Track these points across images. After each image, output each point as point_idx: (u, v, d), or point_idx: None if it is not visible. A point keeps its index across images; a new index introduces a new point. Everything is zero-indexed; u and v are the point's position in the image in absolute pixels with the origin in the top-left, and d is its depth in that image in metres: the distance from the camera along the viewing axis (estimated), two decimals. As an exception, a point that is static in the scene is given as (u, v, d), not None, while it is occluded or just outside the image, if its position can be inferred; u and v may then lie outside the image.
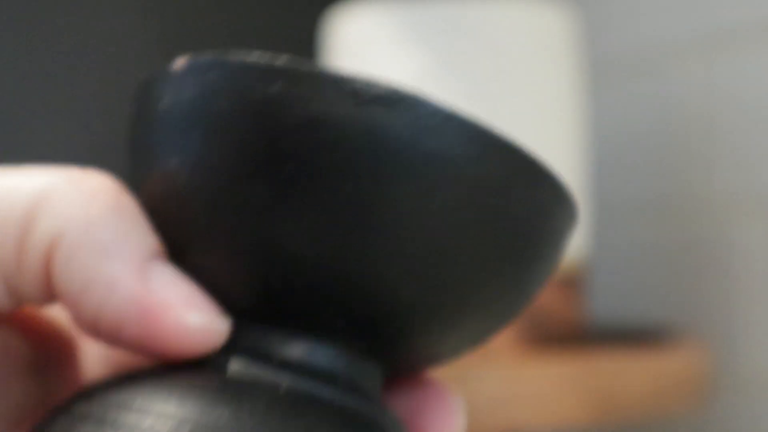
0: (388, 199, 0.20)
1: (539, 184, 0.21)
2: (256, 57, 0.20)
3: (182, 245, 0.21)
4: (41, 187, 0.20)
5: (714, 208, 0.78)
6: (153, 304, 0.20)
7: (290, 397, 0.20)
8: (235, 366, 0.21)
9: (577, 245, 0.68)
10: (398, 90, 0.20)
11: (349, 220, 0.20)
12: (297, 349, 0.21)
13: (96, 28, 0.84)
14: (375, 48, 0.65)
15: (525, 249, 0.21)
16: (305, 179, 0.20)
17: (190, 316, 0.20)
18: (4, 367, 0.22)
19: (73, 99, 0.83)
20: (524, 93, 0.64)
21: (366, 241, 0.20)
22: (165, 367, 0.21)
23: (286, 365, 0.21)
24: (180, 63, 0.21)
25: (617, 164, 0.86)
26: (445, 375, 0.57)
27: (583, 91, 0.70)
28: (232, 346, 0.21)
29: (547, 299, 0.65)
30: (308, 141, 0.20)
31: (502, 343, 0.64)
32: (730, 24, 0.77)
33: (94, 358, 0.24)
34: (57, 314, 0.24)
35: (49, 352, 0.23)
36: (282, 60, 0.20)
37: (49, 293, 0.21)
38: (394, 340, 0.21)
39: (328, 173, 0.20)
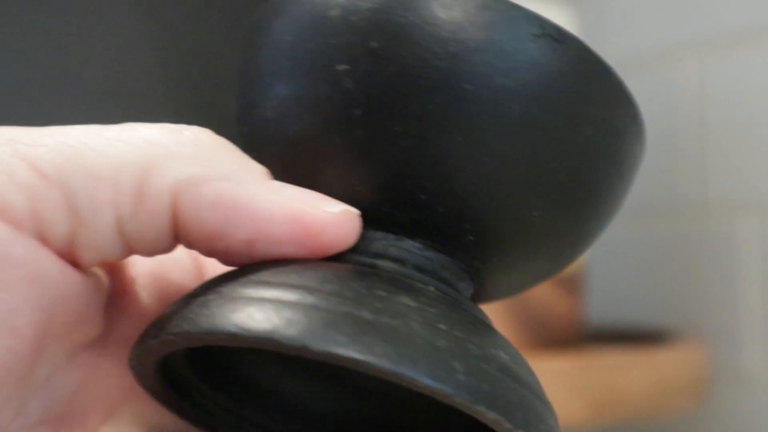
0: (525, 119, 0.22)
1: (626, 106, 0.23)
2: None
3: (293, 167, 0.23)
4: (147, 139, 0.21)
5: (709, 208, 0.78)
6: (299, 208, 0.21)
7: (408, 281, 0.22)
8: (358, 259, 0.22)
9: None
10: (564, 30, 0.22)
11: (491, 140, 0.22)
12: (403, 251, 0.23)
13: (96, 28, 0.84)
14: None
15: (608, 168, 0.23)
16: (460, 101, 0.22)
17: (333, 208, 0.22)
18: (94, 306, 0.22)
19: (73, 99, 0.83)
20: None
21: (493, 159, 0.22)
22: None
23: (401, 262, 0.23)
24: None
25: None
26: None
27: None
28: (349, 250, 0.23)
29: (546, 300, 0.65)
30: (483, 64, 0.21)
31: (502, 342, 0.64)
32: (722, 28, 0.77)
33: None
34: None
35: (113, 290, 0.24)
36: None
37: (172, 238, 0.22)
38: (448, 225, 0.23)
39: (490, 97, 0.21)
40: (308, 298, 0.20)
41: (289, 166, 0.23)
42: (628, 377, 0.62)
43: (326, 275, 0.21)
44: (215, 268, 0.26)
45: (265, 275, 0.21)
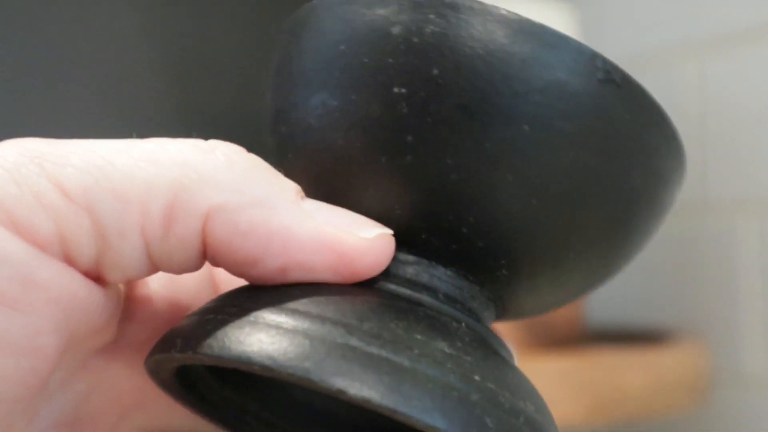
0: (571, 153, 0.21)
1: (665, 130, 0.22)
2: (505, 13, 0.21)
3: (330, 179, 0.23)
4: (177, 160, 0.21)
5: (709, 208, 0.78)
6: (334, 236, 0.21)
7: (443, 318, 0.21)
8: (390, 286, 0.22)
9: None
10: (627, 75, 0.22)
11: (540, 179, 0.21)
12: (435, 278, 0.23)
13: (96, 29, 0.85)
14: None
15: (642, 196, 0.23)
16: (502, 127, 0.21)
17: (368, 233, 0.21)
18: (112, 316, 0.22)
19: (74, 99, 0.83)
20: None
21: (537, 195, 0.22)
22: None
23: (433, 291, 0.22)
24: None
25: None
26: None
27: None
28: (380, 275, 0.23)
29: (546, 298, 0.65)
30: (546, 106, 0.21)
31: (502, 342, 0.64)
32: (722, 28, 0.77)
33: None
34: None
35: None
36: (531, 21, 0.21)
37: (201, 259, 0.21)
38: (485, 259, 0.23)
39: (538, 133, 0.21)
40: (348, 339, 0.19)
41: (325, 177, 0.23)
42: (628, 377, 0.62)
43: (364, 311, 0.20)
44: (228, 275, 0.26)
45: (300, 303, 0.20)
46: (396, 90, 0.21)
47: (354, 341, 0.19)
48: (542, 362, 0.61)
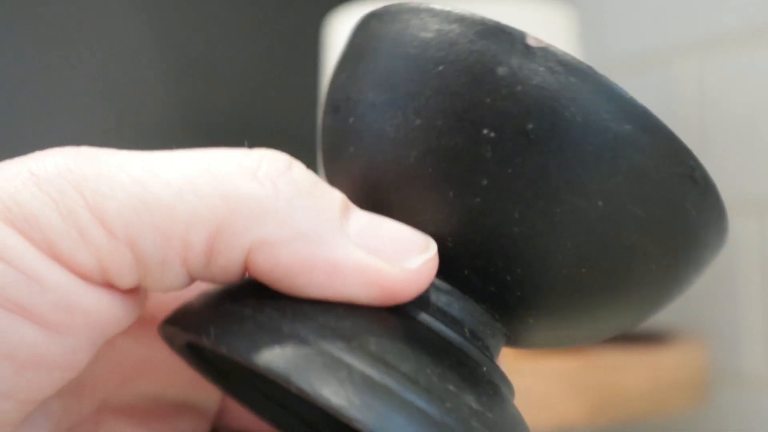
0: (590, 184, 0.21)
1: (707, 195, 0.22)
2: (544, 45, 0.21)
3: (388, 192, 0.22)
4: (221, 190, 0.20)
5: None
6: (379, 270, 0.21)
7: (470, 364, 0.22)
8: (422, 314, 0.22)
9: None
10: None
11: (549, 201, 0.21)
12: (465, 312, 0.23)
13: (96, 29, 0.84)
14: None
15: (680, 256, 0.22)
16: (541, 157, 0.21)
17: (413, 262, 0.21)
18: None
19: (76, 100, 0.83)
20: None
21: (554, 219, 0.21)
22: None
23: (459, 325, 0.22)
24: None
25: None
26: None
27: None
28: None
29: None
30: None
31: (502, 342, 0.64)
32: (722, 28, 0.77)
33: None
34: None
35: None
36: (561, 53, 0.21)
37: (241, 276, 0.21)
38: (518, 307, 0.23)
39: (571, 161, 0.21)
40: (385, 378, 0.20)
41: (382, 186, 0.22)
42: (628, 377, 0.62)
43: (402, 349, 0.21)
44: None
45: (343, 328, 0.20)
46: (485, 132, 0.21)
47: (393, 384, 0.20)
48: (542, 362, 0.61)
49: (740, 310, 0.75)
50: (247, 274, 0.21)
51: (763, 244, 0.73)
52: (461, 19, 0.22)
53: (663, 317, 0.82)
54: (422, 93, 0.21)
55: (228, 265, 0.21)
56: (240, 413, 0.27)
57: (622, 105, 0.21)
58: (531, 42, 0.21)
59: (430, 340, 0.21)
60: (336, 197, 0.21)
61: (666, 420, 0.79)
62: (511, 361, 0.60)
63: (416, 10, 0.22)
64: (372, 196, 0.23)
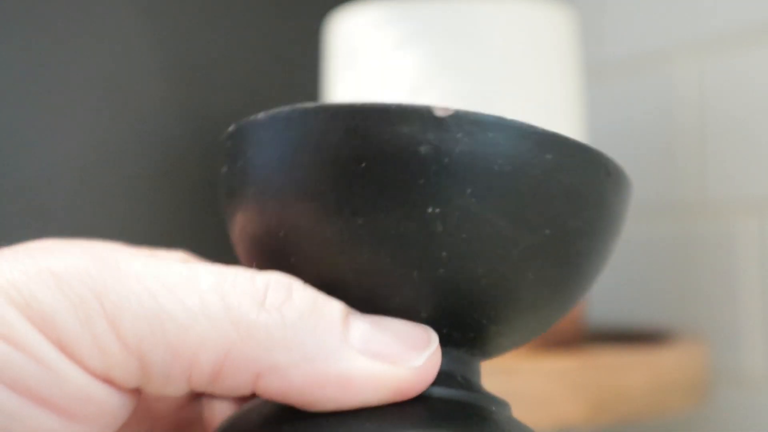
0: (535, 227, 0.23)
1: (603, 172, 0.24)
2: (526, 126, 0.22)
3: (345, 293, 0.23)
4: (232, 316, 0.21)
5: (709, 208, 0.78)
6: (389, 376, 0.22)
7: (472, 412, 0.24)
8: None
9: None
10: (615, 162, 0.24)
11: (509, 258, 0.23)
12: (452, 363, 0.24)
13: (96, 29, 0.85)
14: (375, 48, 0.66)
15: (590, 228, 0.24)
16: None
17: (419, 359, 0.23)
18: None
19: (75, 100, 0.83)
20: (522, 93, 0.64)
21: (504, 263, 0.23)
22: None
23: (449, 377, 0.24)
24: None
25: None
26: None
27: (580, 91, 0.71)
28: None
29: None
30: (563, 207, 0.23)
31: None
32: (722, 28, 0.77)
33: None
34: None
35: None
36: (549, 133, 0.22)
37: (247, 394, 0.23)
38: (494, 336, 0.24)
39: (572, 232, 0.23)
40: None
41: (342, 286, 0.23)
42: (628, 377, 0.62)
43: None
44: None
45: None
46: (430, 210, 0.22)
47: None
48: (542, 362, 0.61)
49: (740, 310, 0.75)
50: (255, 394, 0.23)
51: (763, 244, 0.73)
52: (365, 115, 0.22)
53: (663, 317, 0.82)
54: (356, 194, 0.22)
55: (234, 386, 0.22)
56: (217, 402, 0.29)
57: (536, 140, 0.22)
58: (440, 113, 0.22)
59: (447, 412, 0.23)
60: (335, 309, 0.22)
61: (666, 420, 0.79)
62: (511, 361, 0.60)
63: (312, 116, 0.23)
64: (336, 295, 0.23)
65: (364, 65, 0.66)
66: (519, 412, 0.63)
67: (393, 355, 0.22)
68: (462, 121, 0.22)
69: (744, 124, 0.75)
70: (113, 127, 0.85)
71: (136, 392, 0.22)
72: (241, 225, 0.24)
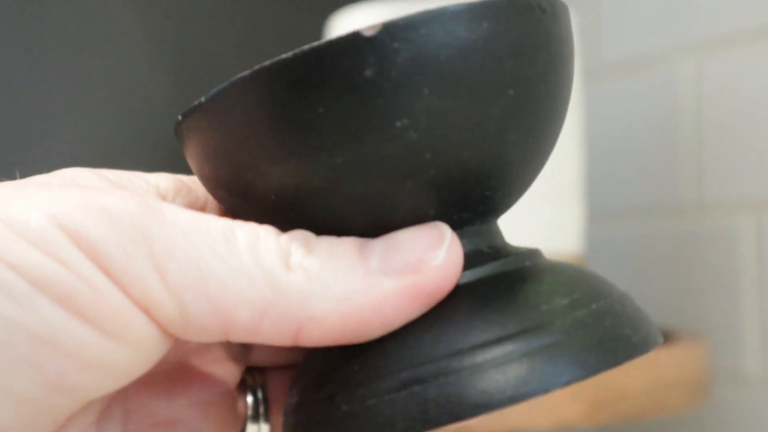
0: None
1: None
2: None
3: (358, 220, 0.24)
4: (268, 277, 0.23)
5: (707, 208, 0.78)
6: (414, 284, 0.23)
7: (513, 276, 0.24)
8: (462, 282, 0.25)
9: (572, 246, 0.69)
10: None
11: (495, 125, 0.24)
12: (475, 241, 0.25)
13: (96, 28, 0.85)
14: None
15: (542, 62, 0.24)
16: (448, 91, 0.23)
17: (438, 257, 0.23)
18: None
19: (74, 100, 0.83)
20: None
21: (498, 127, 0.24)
22: None
23: (478, 256, 0.25)
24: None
25: (610, 166, 0.87)
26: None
27: (578, 92, 0.71)
28: None
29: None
30: (514, 63, 0.23)
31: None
32: (721, 28, 0.77)
33: None
34: None
35: None
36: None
37: (292, 344, 0.24)
38: (500, 199, 0.25)
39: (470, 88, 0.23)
40: (510, 347, 0.22)
41: (348, 217, 0.24)
42: (628, 377, 0.62)
43: (485, 316, 0.23)
44: None
45: (432, 349, 0.22)
46: (398, 124, 0.22)
47: (513, 349, 0.22)
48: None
49: (739, 310, 0.75)
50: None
51: (762, 243, 0.74)
52: (298, 62, 0.23)
53: (663, 317, 0.82)
54: (324, 138, 0.23)
55: (275, 338, 0.23)
56: (264, 349, 0.30)
57: (467, 16, 0.22)
58: (369, 33, 0.22)
59: (482, 290, 0.24)
60: (349, 246, 0.23)
61: (666, 419, 0.80)
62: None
63: (251, 80, 0.23)
64: (347, 232, 0.24)
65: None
66: (519, 411, 0.63)
67: (413, 264, 0.23)
68: (392, 31, 0.22)
69: (742, 124, 0.75)
70: (113, 127, 0.85)
71: (173, 337, 0.23)
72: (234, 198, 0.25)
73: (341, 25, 0.69)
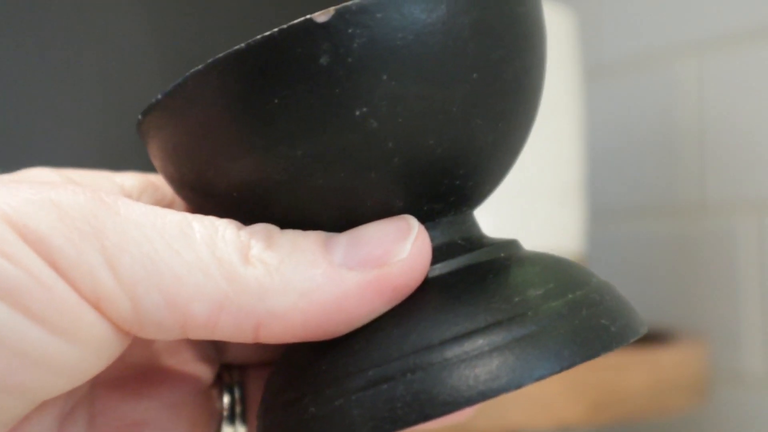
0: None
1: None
2: None
3: (324, 213, 0.23)
4: (226, 272, 0.22)
5: (708, 208, 0.78)
6: (378, 278, 0.22)
7: (487, 267, 0.23)
8: (434, 273, 0.24)
9: (573, 245, 0.68)
10: None
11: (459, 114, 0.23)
12: (449, 233, 0.24)
13: (96, 28, 0.85)
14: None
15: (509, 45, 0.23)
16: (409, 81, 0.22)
17: (403, 251, 0.22)
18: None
19: (74, 101, 0.83)
20: (523, 93, 0.64)
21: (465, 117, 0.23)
22: None
23: (451, 247, 0.24)
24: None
25: (610, 165, 0.87)
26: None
27: (579, 91, 0.71)
28: None
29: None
30: (480, 45, 0.22)
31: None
32: (722, 28, 0.77)
33: None
34: None
35: None
36: None
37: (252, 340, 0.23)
38: (473, 188, 0.24)
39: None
40: (480, 341, 0.21)
41: (315, 211, 0.23)
42: (628, 377, 0.62)
43: (458, 309, 0.22)
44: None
45: (402, 343, 0.22)
46: (358, 113, 0.22)
47: (486, 342, 0.21)
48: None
49: (740, 310, 0.75)
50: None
51: (763, 243, 0.74)
52: (257, 54, 0.22)
53: (663, 317, 0.82)
54: (281, 130, 0.22)
55: (233, 335, 0.22)
56: (241, 345, 0.29)
57: None
58: (322, 19, 0.21)
59: (453, 283, 0.23)
60: (312, 240, 0.22)
61: (666, 420, 0.79)
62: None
63: (205, 73, 0.22)
64: (312, 226, 0.23)
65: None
66: (519, 411, 0.63)
67: (378, 257, 0.22)
68: (346, 16, 0.21)
69: (743, 124, 0.75)
70: (113, 127, 0.85)
71: (129, 334, 0.22)
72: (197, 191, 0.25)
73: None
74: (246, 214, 0.23)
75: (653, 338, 0.74)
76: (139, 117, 0.24)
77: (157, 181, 0.28)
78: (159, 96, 0.23)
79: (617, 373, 0.62)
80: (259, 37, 0.21)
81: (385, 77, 0.21)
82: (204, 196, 0.24)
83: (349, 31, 0.21)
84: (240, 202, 0.23)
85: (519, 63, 0.23)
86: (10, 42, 0.81)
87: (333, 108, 0.21)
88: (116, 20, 0.86)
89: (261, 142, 0.22)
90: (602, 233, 0.87)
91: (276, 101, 0.21)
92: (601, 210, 0.87)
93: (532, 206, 0.64)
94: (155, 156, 0.24)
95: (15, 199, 0.21)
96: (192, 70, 0.22)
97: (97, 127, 0.84)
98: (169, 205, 0.27)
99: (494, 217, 0.61)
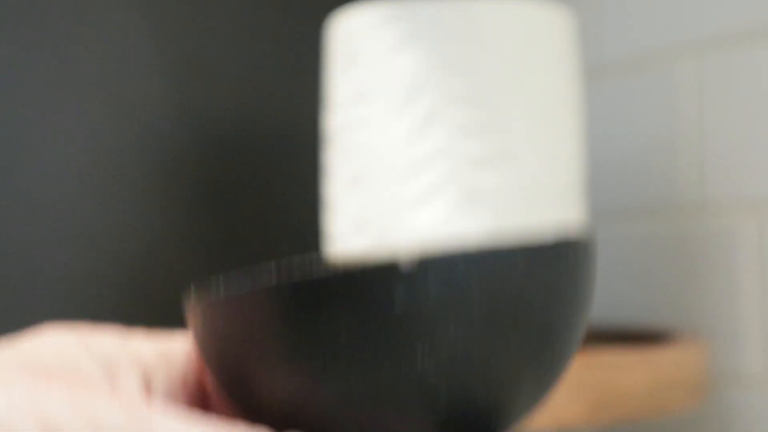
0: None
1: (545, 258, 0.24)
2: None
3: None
4: None
5: (708, 208, 0.78)
6: None
7: None
8: None
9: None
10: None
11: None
12: None
13: (96, 28, 0.85)
14: (375, 48, 0.66)
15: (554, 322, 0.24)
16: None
17: None
18: None
19: (74, 101, 0.83)
20: (523, 93, 0.64)
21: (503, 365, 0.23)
22: None
23: None
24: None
25: (611, 165, 0.87)
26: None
27: (580, 91, 0.71)
28: None
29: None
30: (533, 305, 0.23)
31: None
32: (722, 28, 0.77)
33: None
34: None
35: None
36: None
37: None
38: (502, 428, 0.25)
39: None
40: None
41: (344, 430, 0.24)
42: (628, 377, 0.62)
43: None
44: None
45: None
46: (419, 353, 0.22)
47: None
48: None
49: (740, 309, 0.75)
50: None
51: (762, 244, 0.74)
52: (321, 287, 0.22)
53: (663, 317, 0.82)
54: (342, 362, 0.22)
55: None
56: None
57: (505, 258, 0.22)
58: (407, 268, 0.22)
59: None
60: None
61: (666, 420, 0.79)
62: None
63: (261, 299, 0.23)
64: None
65: (364, 65, 0.66)
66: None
67: None
68: (429, 265, 0.22)
69: (743, 124, 0.75)
70: (113, 127, 0.85)
71: None
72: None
73: (340, 25, 0.69)
74: (277, 422, 0.24)
75: (653, 338, 0.74)
76: (193, 292, 0.24)
77: (168, 349, 0.28)
78: (221, 290, 0.23)
79: (617, 373, 0.62)
80: (339, 269, 0.22)
81: (452, 325, 0.22)
82: (240, 395, 0.24)
83: (429, 278, 0.22)
84: (276, 412, 0.24)
85: (570, 318, 0.24)
86: (10, 42, 0.81)
87: (396, 348, 0.22)
88: (116, 20, 0.86)
89: (318, 366, 0.22)
90: (602, 233, 0.87)
91: (342, 331, 0.22)
92: (601, 210, 0.87)
93: (532, 206, 0.64)
94: (199, 338, 0.25)
95: (55, 410, 0.22)
96: (264, 282, 0.23)
97: (97, 127, 0.84)
98: (182, 379, 0.28)
99: (494, 217, 0.61)
